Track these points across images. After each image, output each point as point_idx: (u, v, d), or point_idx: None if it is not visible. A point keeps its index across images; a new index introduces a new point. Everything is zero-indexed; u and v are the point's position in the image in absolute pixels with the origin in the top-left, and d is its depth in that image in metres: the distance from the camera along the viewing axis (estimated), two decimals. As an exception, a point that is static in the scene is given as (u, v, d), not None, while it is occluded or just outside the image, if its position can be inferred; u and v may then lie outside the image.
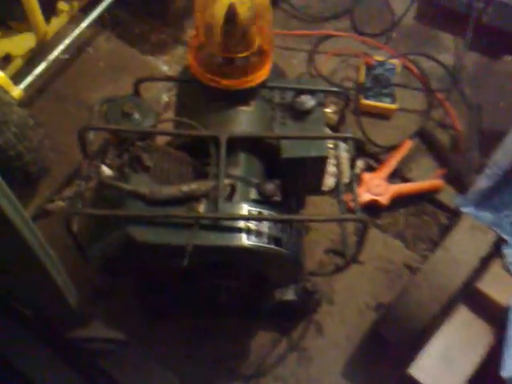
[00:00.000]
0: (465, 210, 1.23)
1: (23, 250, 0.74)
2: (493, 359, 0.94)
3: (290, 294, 1.11)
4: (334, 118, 1.33)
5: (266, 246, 0.87)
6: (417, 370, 0.96)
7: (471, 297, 1.00)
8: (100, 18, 1.37)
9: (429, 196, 1.34)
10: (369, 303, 1.21)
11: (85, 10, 1.43)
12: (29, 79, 1.20)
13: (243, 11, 0.90)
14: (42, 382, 1.05)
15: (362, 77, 1.44)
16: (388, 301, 1.16)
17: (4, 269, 0.90)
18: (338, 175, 1.08)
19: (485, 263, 1.01)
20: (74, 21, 1.41)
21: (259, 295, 1.07)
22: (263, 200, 0.93)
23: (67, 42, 1.28)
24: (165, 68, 1.47)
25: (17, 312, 1.10)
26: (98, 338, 0.94)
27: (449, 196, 1.32)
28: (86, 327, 0.94)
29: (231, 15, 0.88)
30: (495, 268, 1.00)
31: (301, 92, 1.00)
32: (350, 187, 1.02)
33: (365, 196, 1.29)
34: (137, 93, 1.06)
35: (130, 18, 1.54)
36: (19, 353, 1.07)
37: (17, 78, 1.24)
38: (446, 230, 1.26)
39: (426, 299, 0.99)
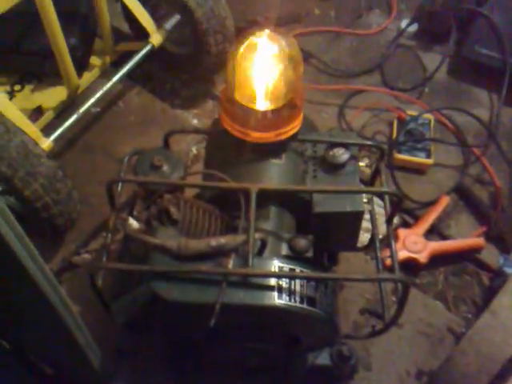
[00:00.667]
0: (509, 270, 1.16)
1: (43, 306, 0.70)
2: None
3: (324, 359, 1.03)
4: (368, 171, 1.30)
5: (299, 305, 0.82)
6: None
7: None
8: (131, 72, 1.38)
9: (470, 255, 1.27)
10: (409, 370, 1.12)
11: (116, 65, 1.46)
12: (59, 131, 1.20)
13: (275, 64, 0.89)
14: None
15: (395, 131, 1.41)
16: (429, 368, 1.08)
17: (23, 324, 0.87)
18: (373, 231, 1.04)
19: None
20: (106, 75, 1.43)
21: (291, 359, 1.00)
22: (295, 256, 0.88)
23: (98, 95, 1.29)
24: (195, 122, 1.47)
25: (37, 369, 1.07)
26: None
27: (491, 255, 1.25)
28: None
29: (263, 69, 0.88)
30: None
31: (333, 145, 0.97)
32: (384, 243, 0.98)
33: (401, 253, 1.22)
34: (166, 145, 1.05)
35: (161, 73, 1.55)
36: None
37: (47, 130, 1.25)
38: (488, 292, 1.18)
39: (472, 369, 0.91)
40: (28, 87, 1.40)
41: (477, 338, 0.93)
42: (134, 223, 0.89)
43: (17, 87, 1.38)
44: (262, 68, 0.91)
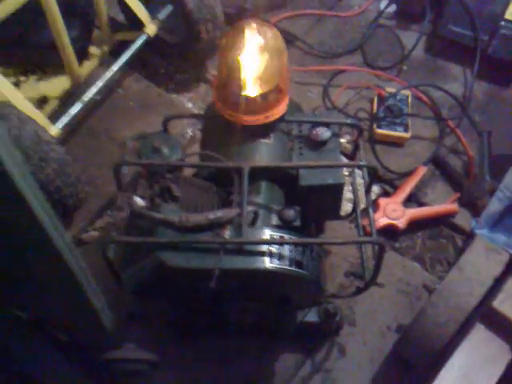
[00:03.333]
0: (479, 232, 1.27)
1: (65, 274, 0.80)
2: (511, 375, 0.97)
3: (312, 316, 1.16)
4: (349, 147, 1.40)
5: (288, 268, 0.92)
6: None
7: (487, 315, 1.02)
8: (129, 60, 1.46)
9: (445, 220, 1.38)
10: (390, 325, 1.25)
11: (114, 54, 1.54)
12: (65, 119, 1.29)
13: (261, 54, 0.98)
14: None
15: (375, 108, 1.51)
16: (408, 322, 1.19)
17: (44, 293, 0.98)
18: (355, 201, 1.15)
19: (499, 282, 1.03)
20: (105, 64, 1.51)
21: (283, 317, 1.11)
22: (284, 225, 0.99)
23: (101, 84, 1.37)
24: (189, 105, 1.56)
25: (52, 337, 1.18)
26: (131, 359, 0.99)
27: (464, 219, 1.37)
28: (120, 349, 1.00)
29: (251, 58, 0.97)
30: (509, 287, 1.03)
31: (317, 125, 1.07)
32: (366, 212, 1.08)
33: (382, 220, 1.34)
34: (165, 129, 1.15)
35: (155, 60, 1.64)
36: (55, 375, 1.14)
37: (53, 118, 1.34)
38: (462, 252, 1.30)
39: (443, 319, 1.01)
40: (32, 78, 1.47)
41: (446, 292, 1.03)
42: (139, 201, 0.99)
43: (22, 78, 1.46)
44: (250, 58, 0.99)
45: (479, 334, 1.02)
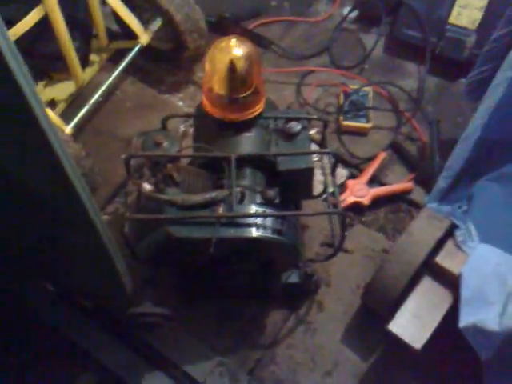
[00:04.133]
0: (430, 205, 1.49)
1: (98, 242, 0.98)
2: (452, 315, 1.17)
3: (294, 278, 1.34)
4: (318, 137, 1.61)
5: (270, 235, 1.11)
6: (394, 325, 1.19)
7: (432, 269, 1.22)
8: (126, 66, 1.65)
9: (403, 196, 1.59)
10: (359, 284, 1.43)
11: (111, 60, 1.73)
12: (76, 120, 1.48)
13: (240, 64, 1.17)
14: (101, 356, 1.32)
15: (341, 102, 1.71)
16: (372, 279, 1.42)
17: (77, 263, 1.16)
18: (325, 182, 1.37)
19: (441, 243, 1.23)
20: (104, 69, 1.70)
21: (269, 279, 1.31)
22: (266, 203, 1.16)
23: (103, 88, 1.56)
24: (180, 104, 1.73)
25: (79, 304, 1.38)
26: (149, 313, 1.19)
27: (419, 195, 1.57)
28: (139, 306, 1.20)
29: (232, 68, 1.16)
30: (449, 246, 1.23)
31: (289, 120, 1.25)
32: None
33: (350, 198, 1.55)
34: (164, 126, 1.34)
35: (148, 65, 1.79)
36: (82, 334, 1.34)
37: (62, 119, 1.51)
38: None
39: (397, 273, 1.20)
40: (41, 83, 1.65)
41: (398, 251, 1.22)
42: (147, 186, 1.17)
43: (32, 84, 1.63)
44: (232, 67, 1.18)
45: (426, 283, 1.23)
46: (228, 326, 1.38)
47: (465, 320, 1.12)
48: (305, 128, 1.26)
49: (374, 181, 1.61)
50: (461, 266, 1.20)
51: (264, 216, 1.13)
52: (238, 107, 1.21)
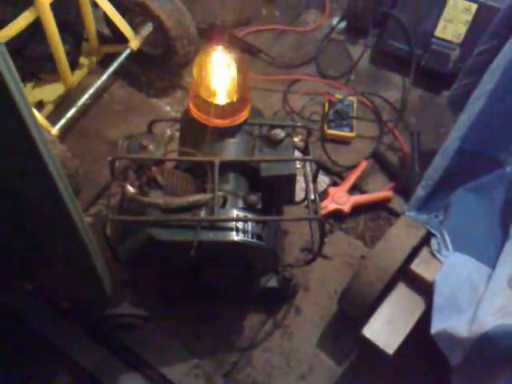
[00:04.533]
0: (408, 214, 1.53)
1: (79, 243, 1.01)
2: (425, 321, 1.20)
3: (272, 282, 1.36)
4: (302, 144, 1.64)
5: (250, 240, 1.14)
6: (367, 331, 1.21)
7: (407, 276, 1.25)
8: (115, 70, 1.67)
9: (383, 205, 1.62)
10: (336, 289, 1.46)
11: (101, 64, 1.74)
12: (63, 121, 1.49)
13: (227, 71, 1.20)
14: (77, 356, 1.33)
15: (326, 111, 1.74)
16: (348, 285, 1.44)
17: (57, 264, 1.19)
18: (306, 188, 1.40)
19: (416, 251, 1.26)
20: (93, 72, 1.72)
21: (248, 283, 1.33)
22: (248, 208, 1.19)
23: (91, 90, 1.58)
24: (167, 108, 1.76)
25: (56, 304, 1.40)
26: (126, 314, 1.21)
27: (399, 204, 1.61)
28: (117, 307, 1.22)
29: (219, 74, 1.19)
30: (424, 254, 1.26)
31: (274, 127, 1.28)
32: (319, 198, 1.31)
33: (330, 205, 1.58)
34: (150, 130, 1.37)
35: (137, 69, 1.81)
36: (59, 334, 1.35)
37: (49, 120, 1.52)
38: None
39: (372, 279, 1.23)
40: (29, 85, 1.67)
41: (374, 257, 1.25)
42: (130, 188, 1.20)
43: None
44: (219, 74, 1.22)
45: (400, 290, 1.26)
46: (206, 329, 1.40)
47: (437, 326, 1.16)
48: (289, 135, 1.29)
49: (355, 189, 1.65)
50: (435, 274, 1.23)
51: (245, 220, 1.16)
52: (223, 113, 1.24)
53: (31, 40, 1.58)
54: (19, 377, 1.33)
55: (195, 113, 1.25)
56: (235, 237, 1.14)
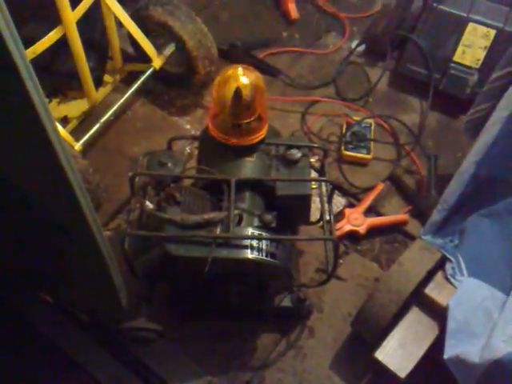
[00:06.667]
0: (424, 237, 1.53)
1: (98, 257, 1.04)
2: (438, 346, 1.19)
3: (287, 302, 1.36)
4: (319, 165, 1.65)
5: (265, 258, 1.15)
6: (380, 354, 1.22)
7: (421, 300, 1.26)
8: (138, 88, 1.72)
9: (399, 228, 1.62)
10: (351, 311, 1.45)
11: (124, 81, 1.79)
12: (86, 137, 1.54)
13: (246, 91, 1.22)
14: (93, 369, 1.35)
15: (344, 133, 1.75)
16: (363, 307, 1.44)
17: (76, 277, 1.21)
18: (322, 209, 1.41)
19: (431, 275, 1.27)
20: (117, 90, 1.76)
21: (262, 301, 1.33)
22: (263, 226, 1.21)
23: (115, 107, 1.62)
24: (188, 127, 1.79)
25: (75, 317, 1.42)
26: (142, 328, 1.23)
27: (414, 227, 1.60)
28: (132, 321, 1.24)
29: (237, 95, 1.21)
30: (438, 278, 1.27)
31: (290, 147, 1.30)
32: (334, 220, 1.31)
33: (346, 227, 1.58)
34: (169, 147, 1.40)
35: (160, 87, 1.85)
36: (77, 347, 1.38)
37: (74, 136, 1.57)
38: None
39: (386, 302, 1.23)
40: (55, 100, 1.72)
41: (389, 281, 1.25)
42: (149, 204, 1.23)
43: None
44: (237, 94, 1.24)
45: (414, 314, 1.27)
46: (219, 346, 1.40)
47: (449, 351, 1.15)
48: (305, 156, 1.31)
49: (371, 211, 1.65)
50: (448, 299, 1.23)
51: (259, 239, 1.17)
52: (241, 133, 1.26)
53: (58, 57, 1.62)
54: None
55: (213, 131, 1.28)
56: (249, 254, 1.15)
